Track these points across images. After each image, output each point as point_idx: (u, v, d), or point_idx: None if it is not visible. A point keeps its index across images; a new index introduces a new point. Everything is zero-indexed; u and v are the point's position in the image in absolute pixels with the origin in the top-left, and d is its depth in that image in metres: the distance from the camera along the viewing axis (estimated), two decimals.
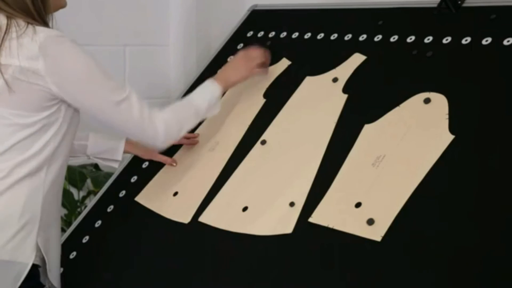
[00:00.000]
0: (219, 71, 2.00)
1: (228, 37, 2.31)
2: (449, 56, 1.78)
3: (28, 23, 1.65)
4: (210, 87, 1.91)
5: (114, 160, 2.03)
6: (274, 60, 2.09)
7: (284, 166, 1.82)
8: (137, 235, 1.92)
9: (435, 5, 1.91)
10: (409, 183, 1.57)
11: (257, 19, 2.31)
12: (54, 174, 1.72)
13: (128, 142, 2.03)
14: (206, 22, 2.56)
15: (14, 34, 1.63)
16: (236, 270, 1.68)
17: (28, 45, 1.62)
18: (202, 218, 1.84)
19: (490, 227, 1.43)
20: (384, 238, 1.52)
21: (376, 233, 1.53)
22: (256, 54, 2.02)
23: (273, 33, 2.20)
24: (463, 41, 1.78)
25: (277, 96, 2.00)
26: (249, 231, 1.73)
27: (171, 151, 2.03)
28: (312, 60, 2.03)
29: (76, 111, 1.73)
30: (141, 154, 2.08)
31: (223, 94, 1.94)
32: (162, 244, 1.86)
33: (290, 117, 1.92)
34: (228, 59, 2.21)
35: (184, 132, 1.84)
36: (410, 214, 1.53)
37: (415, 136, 1.67)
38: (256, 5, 2.35)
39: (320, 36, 2.07)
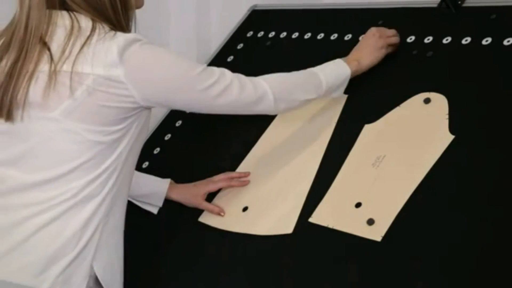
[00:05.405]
0: (352, 51, 1.83)
1: (228, 37, 2.31)
2: (449, 56, 1.78)
3: (111, 28, 1.52)
4: (340, 65, 1.77)
5: (154, 205, 1.90)
6: (279, 61, 2.09)
7: (284, 166, 1.82)
8: (137, 234, 1.92)
9: (435, 5, 1.91)
10: (409, 183, 1.57)
11: (257, 19, 2.31)
12: (118, 194, 1.57)
13: (171, 187, 1.89)
14: (206, 22, 2.56)
15: (94, 39, 1.49)
16: (236, 270, 1.68)
17: (106, 51, 1.48)
18: (202, 218, 1.84)
19: (491, 227, 1.43)
20: (384, 238, 1.52)
21: (376, 233, 1.53)
22: (391, 33, 1.85)
23: (273, 33, 2.20)
24: (463, 41, 1.78)
25: None
26: (249, 231, 1.73)
27: None
28: (312, 60, 2.03)
29: (147, 120, 1.59)
30: (184, 201, 1.88)
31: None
32: (162, 244, 1.86)
33: (290, 117, 1.92)
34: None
35: (296, 98, 1.67)
36: (410, 214, 1.53)
37: (415, 136, 1.67)
38: (256, 5, 2.35)
39: (320, 36, 2.07)
